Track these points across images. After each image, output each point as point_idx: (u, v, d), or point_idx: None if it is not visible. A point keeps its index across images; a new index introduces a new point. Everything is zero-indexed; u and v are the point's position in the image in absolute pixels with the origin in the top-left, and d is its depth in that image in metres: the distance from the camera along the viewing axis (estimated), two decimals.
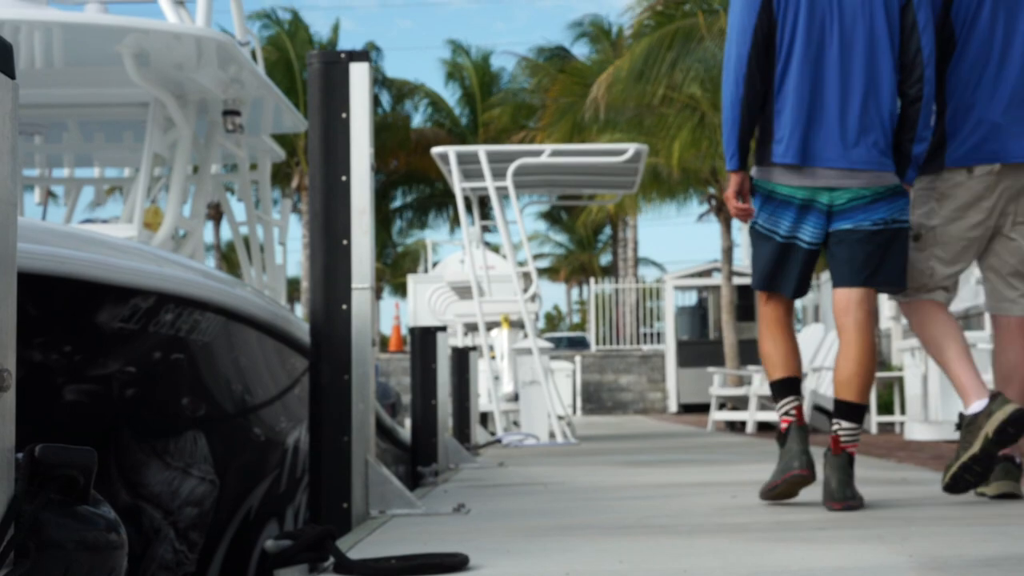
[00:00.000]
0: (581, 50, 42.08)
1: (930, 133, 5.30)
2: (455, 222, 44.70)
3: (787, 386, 5.33)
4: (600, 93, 21.39)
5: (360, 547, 4.14)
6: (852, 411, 5.16)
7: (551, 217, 54.13)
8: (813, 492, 5.30)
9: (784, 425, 5.27)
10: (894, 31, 5.19)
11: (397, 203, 46.08)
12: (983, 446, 5.08)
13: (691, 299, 33.51)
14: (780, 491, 5.23)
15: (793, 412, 5.26)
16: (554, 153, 13.99)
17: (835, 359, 5.36)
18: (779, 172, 5.23)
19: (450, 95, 45.51)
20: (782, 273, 5.31)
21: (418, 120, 44.04)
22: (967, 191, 5.38)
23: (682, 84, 22.98)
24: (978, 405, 5.17)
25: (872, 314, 5.31)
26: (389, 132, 40.37)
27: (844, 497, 5.00)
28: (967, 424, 5.21)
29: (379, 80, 41.51)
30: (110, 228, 8.40)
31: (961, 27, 5.39)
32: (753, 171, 5.38)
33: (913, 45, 5.19)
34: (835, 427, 5.14)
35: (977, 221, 5.39)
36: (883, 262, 5.22)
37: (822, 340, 17.33)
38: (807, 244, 5.24)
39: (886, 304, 24.25)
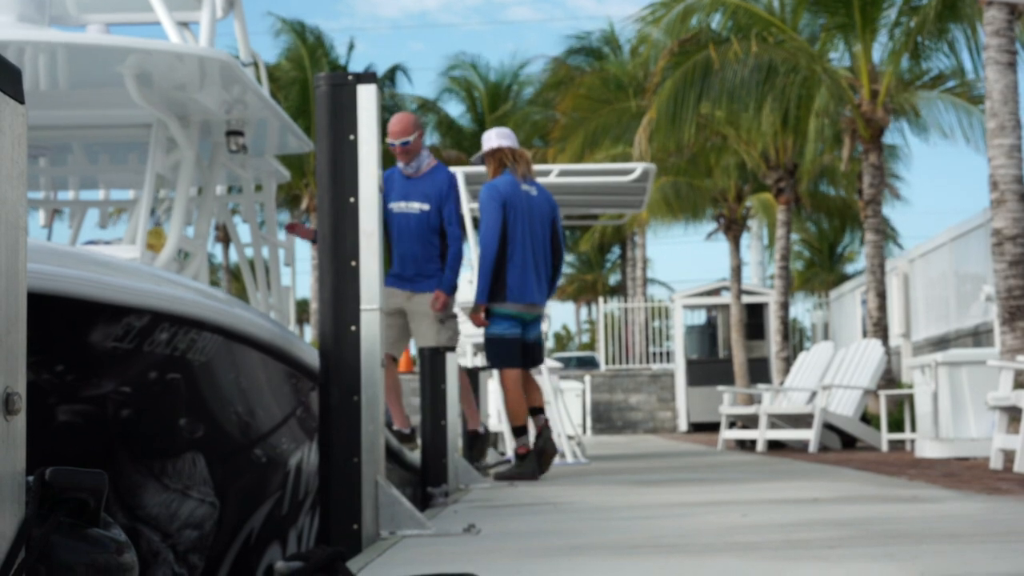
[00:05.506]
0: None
1: (557, 285, 10.35)
2: None
3: (524, 429, 9.90)
4: (644, 147, 21.62)
5: (370, 568, 4.12)
6: (520, 430, 9.92)
7: None
8: (816, 512, 5.25)
9: (523, 451, 9.74)
10: (551, 232, 9.99)
11: None
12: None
13: (700, 318, 33.47)
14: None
15: (528, 444, 9.81)
16: (562, 173, 13.99)
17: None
18: (507, 304, 9.76)
19: (460, 112, 45.31)
20: (516, 356, 9.86)
21: (429, 139, 43.84)
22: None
23: (712, 111, 23.19)
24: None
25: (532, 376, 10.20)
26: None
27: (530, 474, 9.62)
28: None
29: (387, 108, 41.21)
30: (113, 249, 8.34)
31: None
32: (495, 304, 9.81)
33: (557, 240, 10.08)
34: (521, 439, 9.87)
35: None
36: (537, 354, 10.14)
37: (832, 358, 17.24)
38: (520, 338, 9.85)
39: (895, 321, 24.25)
